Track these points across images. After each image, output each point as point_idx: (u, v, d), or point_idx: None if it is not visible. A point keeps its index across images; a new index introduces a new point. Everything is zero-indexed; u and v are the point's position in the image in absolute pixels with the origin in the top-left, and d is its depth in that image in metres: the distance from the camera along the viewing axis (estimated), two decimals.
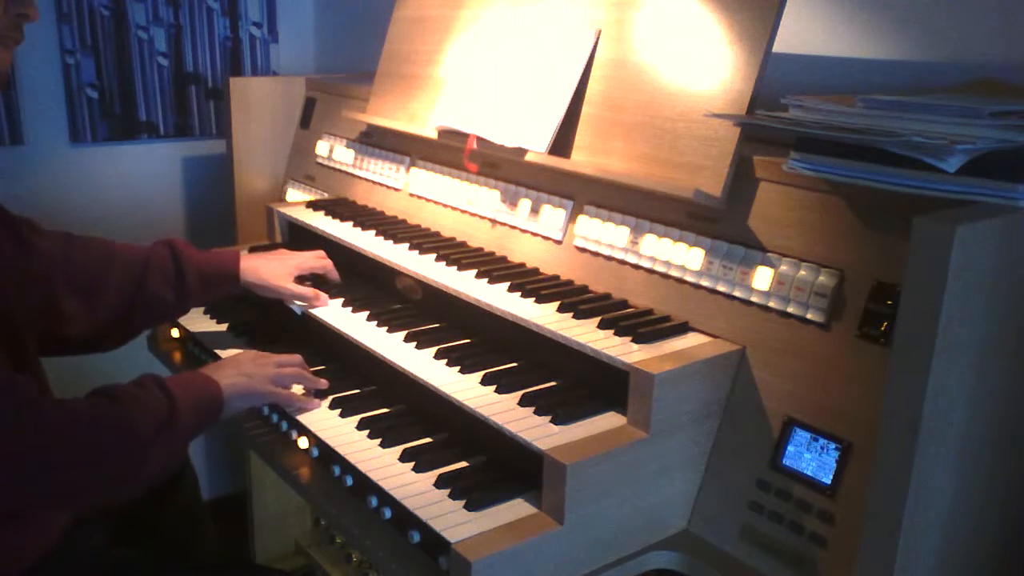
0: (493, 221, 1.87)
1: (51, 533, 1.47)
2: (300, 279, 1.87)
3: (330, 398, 1.65)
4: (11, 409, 1.27)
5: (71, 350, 1.64)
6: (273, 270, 1.83)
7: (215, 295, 1.90)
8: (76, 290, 1.61)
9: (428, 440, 1.52)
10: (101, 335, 1.67)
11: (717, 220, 1.46)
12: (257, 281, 1.81)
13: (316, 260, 1.90)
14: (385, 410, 1.63)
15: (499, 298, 1.59)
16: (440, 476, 1.38)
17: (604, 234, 1.62)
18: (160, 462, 1.40)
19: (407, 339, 1.64)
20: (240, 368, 1.58)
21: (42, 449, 1.29)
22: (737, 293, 1.41)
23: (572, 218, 1.70)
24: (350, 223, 2.05)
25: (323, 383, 1.67)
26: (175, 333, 2.07)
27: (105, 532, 1.68)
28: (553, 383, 1.49)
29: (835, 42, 1.69)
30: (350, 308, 1.80)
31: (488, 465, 1.44)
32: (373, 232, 1.98)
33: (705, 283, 1.46)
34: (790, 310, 1.34)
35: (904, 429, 1.07)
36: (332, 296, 1.86)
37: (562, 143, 1.69)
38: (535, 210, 1.76)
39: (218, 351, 1.88)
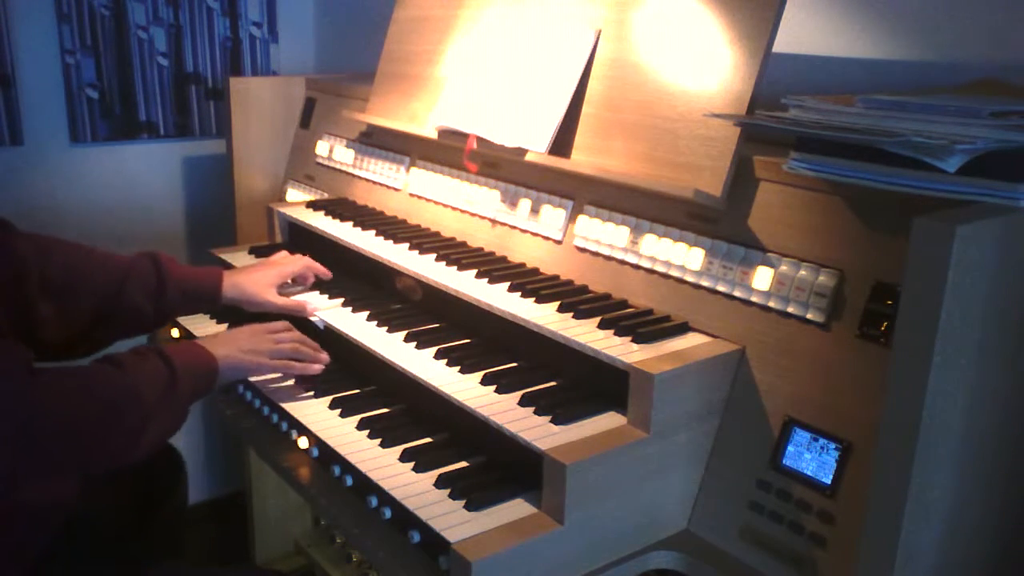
0: (493, 221, 1.87)
1: (43, 534, 1.46)
2: (290, 286, 1.87)
3: (330, 398, 1.65)
4: (18, 369, 1.29)
5: (41, 356, 1.61)
6: (256, 283, 1.82)
7: (195, 311, 1.92)
8: (51, 294, 1.59)
9: (428, 440, 1.52)
10: (73, 342, 1.65)
11: (717, 220, 1.46)
12: (240, 297, 1.81)
13: (296, 263, 1.90)
14: (385, 410, 1.63)
15: (499, 298, 1.59)
16: (440, 476, 1.38)
17: (604, 234, 1.62)
18: (161, 428, 1.44)
19: (407, 339, 1.64)
20: (237, 343, 1.62)
21: (50, 408, 1.30)
22: (737, 293, 1.41)
23: (572, 218, 1.70)
24: (350, 223, 2.05)
25: (323, 360, 1.70)
26: (175, 333, 2.07)
27: (102, 533, 1.68)
28: (553, 383, 1.49)
29: (835, 42, 1.69)
30: (350, 308, 1.80)
31: (488, 465, 1.44)
32: (373, 232, 1.98)
33: (705, 283, 1.46)
34: (790, 310, 1.34)
35: (904, 429, 1.07)
36: (332, 296, 1.86)
37: (562, 143, 1.69)
38: (535, 210, 1.76)
39: None
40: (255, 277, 1.83)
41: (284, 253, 1.96)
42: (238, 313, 2.02)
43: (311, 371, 1.69)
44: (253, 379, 1.71)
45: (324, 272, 1.92)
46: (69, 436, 1.33)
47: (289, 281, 1.90)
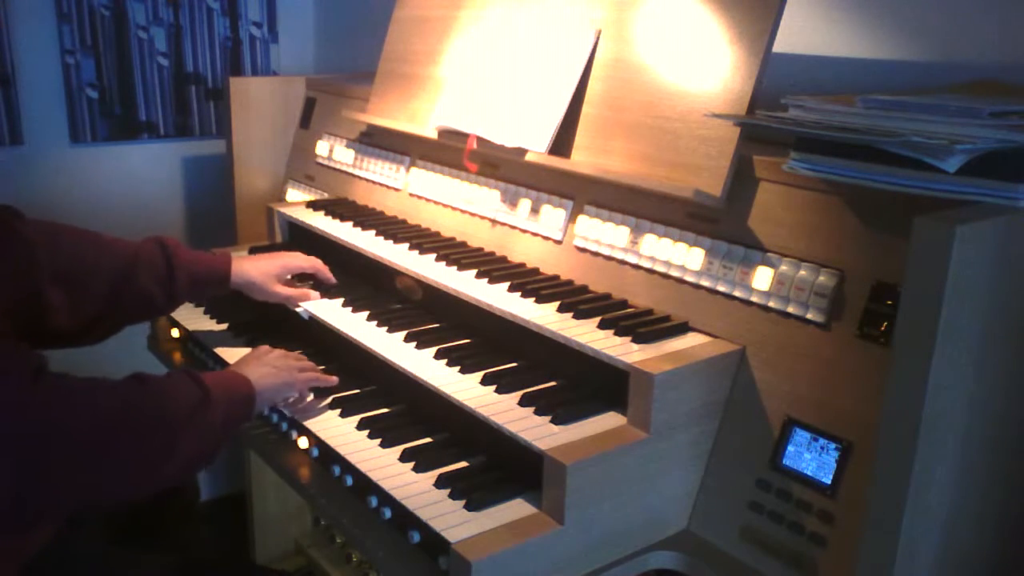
0: (493, 221, 1.87)
1: (43, 532, 1.45)
2: (293, 280, 1.88)
3: (330, 398, 1.65)
4: (20, 374, 1.22)
5: (51, 343, 1.60)
6: (262, 271, 1.83)
7: (204, 296, 1.93)
8: (62, 281, 1.57)
9: (428, 440, 1.52)
10: (84, 328, 1.64)
11: (717, 220, 1.46)
12: (247, 283, 1.82)
13: (304, 259, 1.90)
14: (385, 410, 1.63)
15: (499, 298, 1.59)
16: (440, 476, 1.38)
17: (604, 234, 1.62)
18: (190, 454, 1.36)
19: (407, 339, 1.64)
20: (263, 360, 1.60)
21: (57, 421, 1.22)
22: (737, 293, 1.41)
23: (572, 218, 1.70)
24: (350, 223, 2.05)
25: (333, 380, 1.68)
26: (175, 333, 2.07)
27: (102, 531, 1.67)
28: (553, 383, 1.49)
29: (835, 42, 1.69)
30: (350, 308, 1.80)
31: (488, 465, 1.44)
32: (373, 232, 1.97)
33: (705, 283, 1.46)
34: (790, 310, 1.34)
35: (904, 429, 1.07)
36: (332, 296, 1.86)
37: (562, 143, 1.69)
38: (535, 210, 1.76)
39: (218, 351, 1.88)
40: (260, 265, 1.84)
41: (304, 255, 1.94)
42: (238, 314, 2.03)
43: (331, 382, 1.68)
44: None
45: (329, 278, 1.91)
46: (81, 454, 1.24)
47: (288, 276, 1.90)
